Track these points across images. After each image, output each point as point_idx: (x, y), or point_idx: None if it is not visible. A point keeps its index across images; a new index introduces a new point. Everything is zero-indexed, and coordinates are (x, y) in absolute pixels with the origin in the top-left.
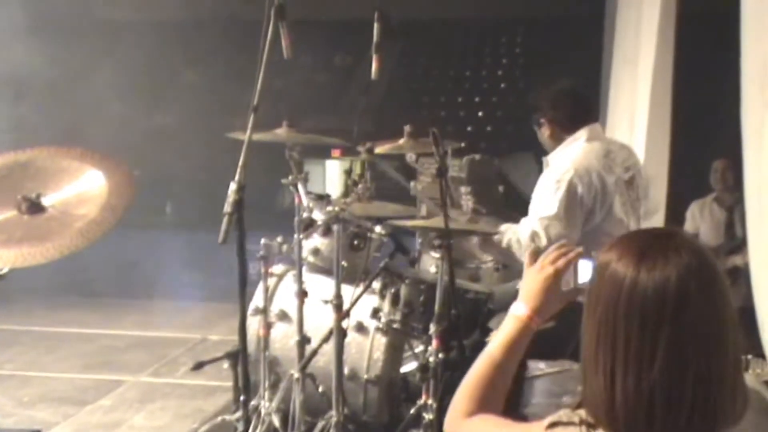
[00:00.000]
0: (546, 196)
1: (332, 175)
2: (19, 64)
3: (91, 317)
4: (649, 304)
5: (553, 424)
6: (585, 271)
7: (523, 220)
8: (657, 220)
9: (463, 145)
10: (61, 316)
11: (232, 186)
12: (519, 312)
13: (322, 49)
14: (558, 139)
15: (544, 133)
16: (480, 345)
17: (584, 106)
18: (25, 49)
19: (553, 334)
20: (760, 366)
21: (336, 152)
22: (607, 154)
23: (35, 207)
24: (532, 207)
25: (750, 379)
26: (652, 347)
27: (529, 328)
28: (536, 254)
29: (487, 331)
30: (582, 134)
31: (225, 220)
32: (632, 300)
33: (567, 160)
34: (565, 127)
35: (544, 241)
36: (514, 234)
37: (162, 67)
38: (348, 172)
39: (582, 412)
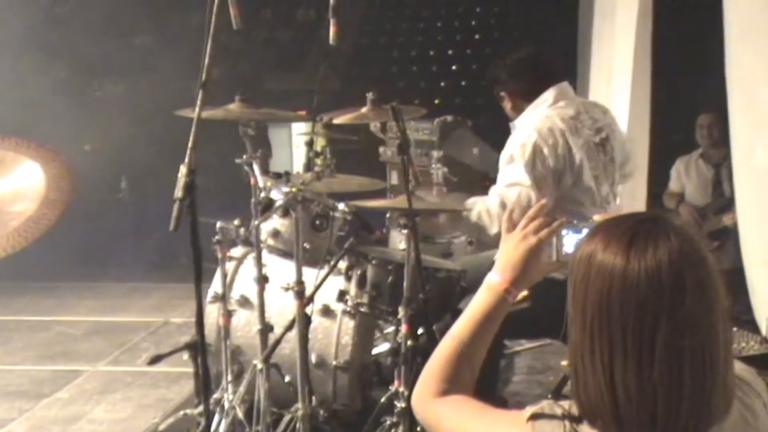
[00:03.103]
0: (512, 163)
1: (300, 140)
2: None
3: (44, 303)
4: (644, 293)
5: (535, 416)
6: (569, 242)
7: (492, 190)
8: (640, 180)
9: (425, 111)
10: (12, 304)
11: (182, 169)
12: (494, 282)
13: (283, 3)
14: (520, 110)
15: (506, 106)
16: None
17: (546, 71)
18: None
19: (528, 313)
20: (745, 339)
21: (302, 112)
22: (576, 115)
23: None
24: (499, 175)
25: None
26: (651, 339)
27: (504, 301)
28: (514, 220)
29: (458, 313)
30: (548, 96)
31: (176, 206)
32: (626, 290)
33: (529, 125)
34: (527, 97)
35: (516, 210)
36: (483, 205)
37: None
38: (309, 144)
39: (565, 404)
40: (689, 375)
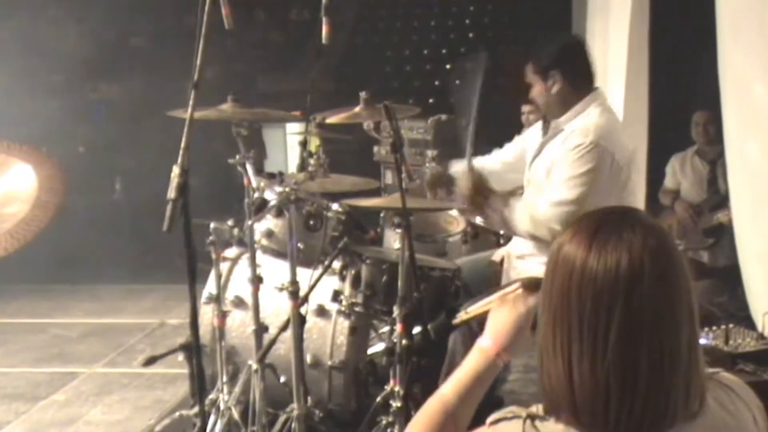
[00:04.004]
0: (565, 172)
1: (293, 140)
2: None
3: (40, 306)
4: (600, 284)
5: (495, 420)
6: None
7: (528, 202)
8: (638, 177)
9: (419, 110)
10: (8, 307)
11: (175, 170)
12: (485, 347)
13: (277, 4)
14: (565, 100)
15: (552, 88)
16: (446, 328)
17: (592, 65)
18: None
19: None
20: (741, 336)
21: (297, 113)
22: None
23: None
24: (555, 183)
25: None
26: (605, 328)
27: (494, 365)
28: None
29: (453, 312)
30: (595, 101)
31: (169, 206)
32: (584, 279)
33: (587, 124)
34: (576, 85)
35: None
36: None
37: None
38: (303, 144)
39: (533, 409)
40: (645, 367)
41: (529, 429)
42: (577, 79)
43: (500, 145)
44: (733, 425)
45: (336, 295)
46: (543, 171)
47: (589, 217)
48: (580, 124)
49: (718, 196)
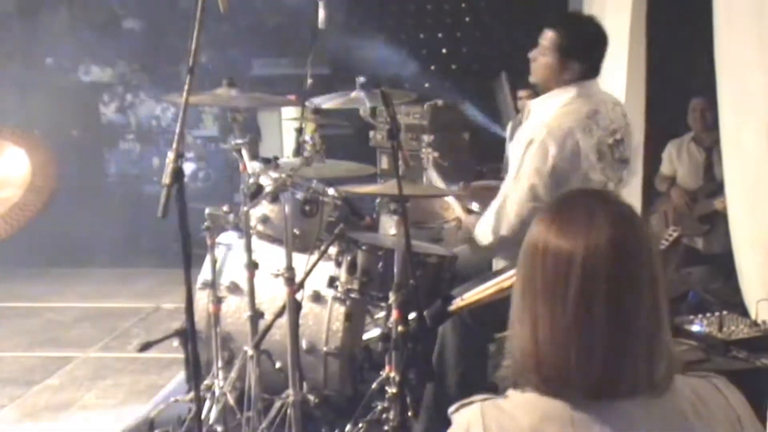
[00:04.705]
0: (517, 168)
1: (289, 125)
2: None
3: (33, 290)
4: (562, 246)
5: (456, 409)
6: None
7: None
8: (636, 164)
9: (415, 96)
10: (2, 291)
11: (170, 155)
12: None
13: None
14: (552, 82)
15: (565, 73)
16: (441, 314)
17: (601, 61)
18: None
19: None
20: (734, 323)
21: (292, 97)
22: (593, 114)
23: None
24: (510, 170)
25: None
26: (564, 289)
27: None
28: None
29: (449, 299)
30: (571, 90)
31: (164, 192)
32: (547, 254)
33: (540, 117)
34: (583, 78)
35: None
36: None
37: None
38: (299, 130)
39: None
40: (602, 328)
41: (489, 408)
42: (588, 73)
43: None
44: (702, 411)
45: (332, 281)
46: (514, 154)
47: (558, 197)
48: (539, 111)
49: (714, 183)
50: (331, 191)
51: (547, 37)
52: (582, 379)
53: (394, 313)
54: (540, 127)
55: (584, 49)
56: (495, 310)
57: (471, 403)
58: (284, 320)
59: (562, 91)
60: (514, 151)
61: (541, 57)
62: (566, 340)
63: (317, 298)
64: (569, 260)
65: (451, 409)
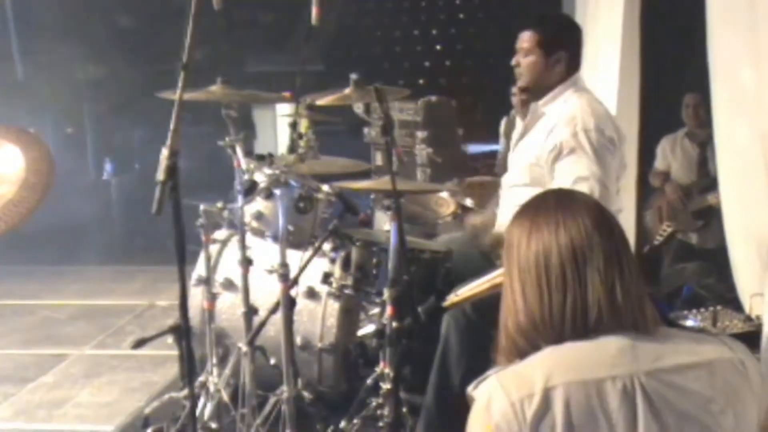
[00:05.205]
0: (572, 155)
1: (283, 122)
2: None
3: (28, 287)
4: (540, 224)
5: (476, 386)
6: None
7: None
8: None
9: (409, 92)
10: None
11: (164, 152)
12: None
13: None
14: (553, 80)
15: (556, 65)
16: (436, 310)
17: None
18: None
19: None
20: (729, 318)
21: (286, 94)
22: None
23: None
24: (556, 174)
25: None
26: (546, 260)
27: None
28: None
29: (442, 295)
30: (569, 86)
31: (158, 188)
32: (530, 252)
33: (566, 111)
34: (571, 68)
35: None
36: None
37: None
38: (293, 126)
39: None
40: (594, 282)
41: (504, 375)
42: (574, 63)
43: None
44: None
45: (326, 278)
46: (528, 155)
47: (537, 196)
48: (566, 112)
49: (707, 179)
50: (325, 187)
51: (526, 38)
52: (552, 322)
53: (389, 309)
54: (586, 117)
55: (565, 38)
56: (498, 306)
57: (486, 378)
58: (278, 316)
59: (563, 88)
60: (551, 150)
61: (525, 59)
62: (549, 297)
63: (312, 294)
64: (554, 243)
65: (470, 387)
